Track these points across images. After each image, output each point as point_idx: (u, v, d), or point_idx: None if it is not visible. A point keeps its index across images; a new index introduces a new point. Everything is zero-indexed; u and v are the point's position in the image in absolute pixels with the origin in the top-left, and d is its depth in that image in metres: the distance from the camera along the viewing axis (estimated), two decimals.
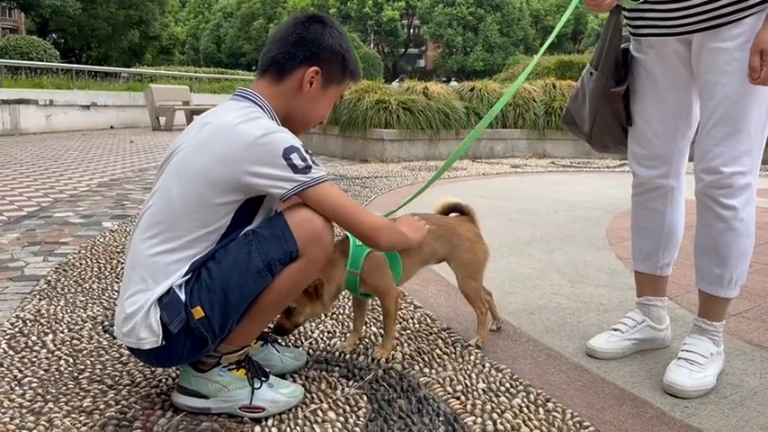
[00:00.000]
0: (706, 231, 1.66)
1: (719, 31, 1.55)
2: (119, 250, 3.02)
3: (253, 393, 1.50)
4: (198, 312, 1.38)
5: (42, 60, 17.00)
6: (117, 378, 1.67)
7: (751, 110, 1.55)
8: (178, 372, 1.60)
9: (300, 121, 1.57)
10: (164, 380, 1.66)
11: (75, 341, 1.91)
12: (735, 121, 1.56)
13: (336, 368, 1.75)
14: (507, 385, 1.65)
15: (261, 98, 1.49)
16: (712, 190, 1.61)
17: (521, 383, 1.66)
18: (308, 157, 1.40)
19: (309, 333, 1.99)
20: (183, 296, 1.39)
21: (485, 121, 1.86)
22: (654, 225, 1.86)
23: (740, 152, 1.57)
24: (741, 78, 1.53)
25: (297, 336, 1.97)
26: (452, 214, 1.98)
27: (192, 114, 14.13)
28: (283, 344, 1.83)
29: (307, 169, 1.39)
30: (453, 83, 20.95)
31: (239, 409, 1.49)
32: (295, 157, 1.38)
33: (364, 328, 2.04)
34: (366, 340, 1.95)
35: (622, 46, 1.78)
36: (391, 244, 1.62)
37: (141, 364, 1.75)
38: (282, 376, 1.67)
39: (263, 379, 1.53)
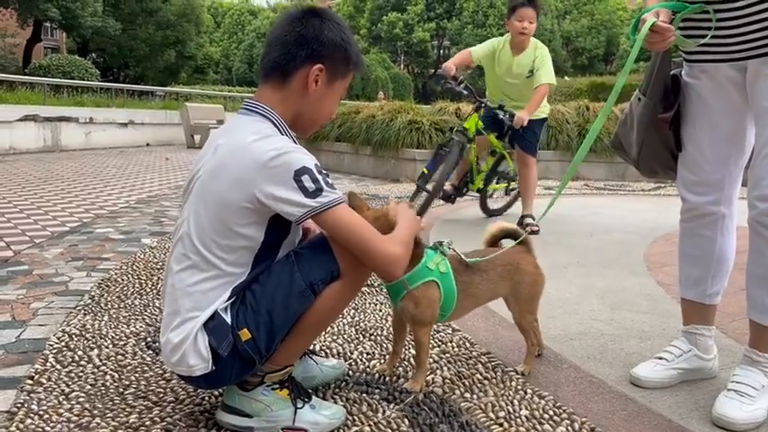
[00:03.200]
0: (759, 260, 1.63)
1: None
2: (159, 266, 3.07)
3: (296, 414, 1.50)
4: (245, 334, 1.38)
5: (83, 79, 17.52)
6: (161, 395, 1.69)
7: None
8: (222, 390, 1.61)
9: (309, 121, 1.55)
10: (207, 398, 1.68)
11: (119, 356, 1.95)
12: None
13: (377, 390, 1.74)
14: (551, 413, 1.63)
15: (269, 110, 1.46)
16: (766, 218, 1.57)
17: (564, 411, 1.64)
18: (320, 178, 1.36)
19: (349, 354, 2.00)
20: (228, 319, 1.40)
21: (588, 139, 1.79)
22: (703, 252, 1.83)
23: None
24: None
25: (336, 357, 1.97)
26: (503, 240, 1.93)
27: None
28: (322, 355, 1.83)
29: (317, 192, 1.35)
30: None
31: (282, 429, 1.50)
32: (306, 179, 1.34)
33: (405, 351, 2.03)
34: (405, 363, 1.94)
35: (672, 72, 1.77)
36: (403, 272, 1.56)
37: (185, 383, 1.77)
38: (324, 394, 1.67)
39: (306, 400, 1.54)
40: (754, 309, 1.67)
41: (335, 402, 1.66)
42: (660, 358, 1.85)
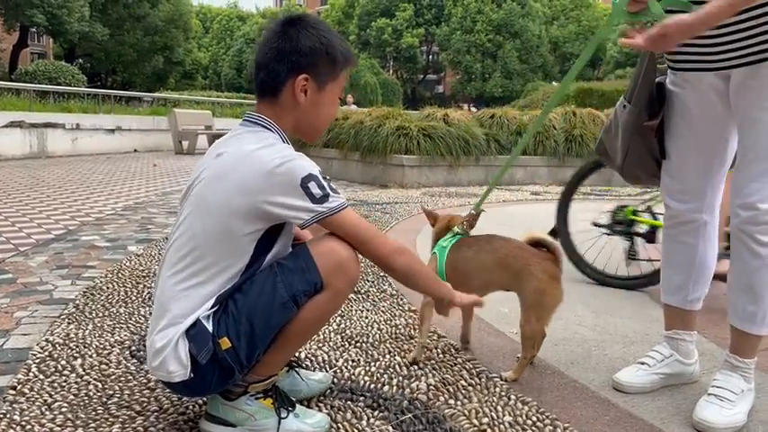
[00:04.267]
0: (741, 267, 1.65)
1: (759, 66, 1.55)
2: (144, 274, 3.06)
3: (279, 423, 1.51)
4: (225, 343, 1.38)
5: (70, 85, 17.47)
6: (145, 404, 1.69)
7: None
8: (206, 398, 1.61)
9: (311, 128, 1.56)
10: (191, 407, 1.67)
11: (103, 366, 1.94)
12: None
13: (362, 398, 1.75)
14: (534, 419, 1.64)
15: (269, 121, 1.48)
16: (748, 226, 1.60)
17: (547, 417, 1.65)
18: (325, 184, 1.40)
19: (334, 362, 2.00)
20: (210, 327, 1.39)
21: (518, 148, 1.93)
22: (685, 259, 1.85)
23: None
24: None
25: (321, 365, 1.97)
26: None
27: (214, 139, 14.34)
28: (307, 364, 1.83)
29: (324, 198, 1.38)
30: (472, 109, 20.99)
31: None
32: (313, 186, 1.37)
33: (388, 356, 2.04)
34: (390, 370, 1.95)
35: (657, 80, 1.79)
36: (408, 269, 1.53)
37: (169, 390, 1.77)
38: (309, 401, 1.68)
39: (290, 409, 1.54)
40: (735, 315, 1.69)
41: (320, 410, 1.67)
42: (642, 363, 1.87)
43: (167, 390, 1.74)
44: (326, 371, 1.92)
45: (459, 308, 1.70)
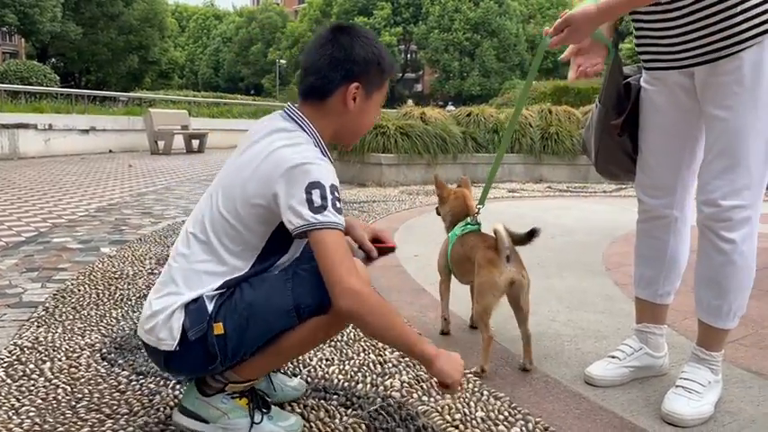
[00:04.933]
0: (706, 262, 1.68)
1: (718, 64, 1.57)
2: (117, 276, 3.02)
3: (252, 426, 1.50)
4: (218, 328, 1.38)
5: (42, 85, 17.14)
6: (115, 407, 1.67)
7: (750, 144, 1.56)
8: (179, 396, 1.60)
9: (352, 134, 1.60)
10: (162, 409, 1.66)
11: (72, 369, 1.91)
12: (734, 154, 1.57)
13: (335, 396, 1.74)
14: (506, 413, 1.65)
15: (307, 122, 1.49)
16: (712, 222, 1.62)
17: (519, 412, 1.66)
18: (329, 197, 1.35)
19: (308, 361, 1.99)
20: (210, 307, 1.40)
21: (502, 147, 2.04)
22: (656, 253, 1.87)
23: (740, 186, 1.58)
24: (741, 112, 1.55)
25: (295, 363, 1.96)
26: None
27: (190, 138, 14.23)
28: (284, 373, 1.82)
29: (320, 209, 1.34)
30: (450, 107, 21.08)
31: None
32: (315, 194, 1.34)
33: (362, 354, 2.04)
34: (365, 368, 1.95)
35: (630, 79, 1.81)
36: (352, 313, 1.34)
37: (139, 392, 1.75)
38: (281, 405, 1.67)
39: (264, 411, 1.53)
40: (701, 309, 1.72)
41: (294, 410, 1.66)
42: (612, 357, 1.89)
43: (137, 391, 1.73)
44: (300, 370, 1.92)
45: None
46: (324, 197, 1.35)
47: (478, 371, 1.89)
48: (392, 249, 1.73)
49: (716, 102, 1.60)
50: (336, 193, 1.39)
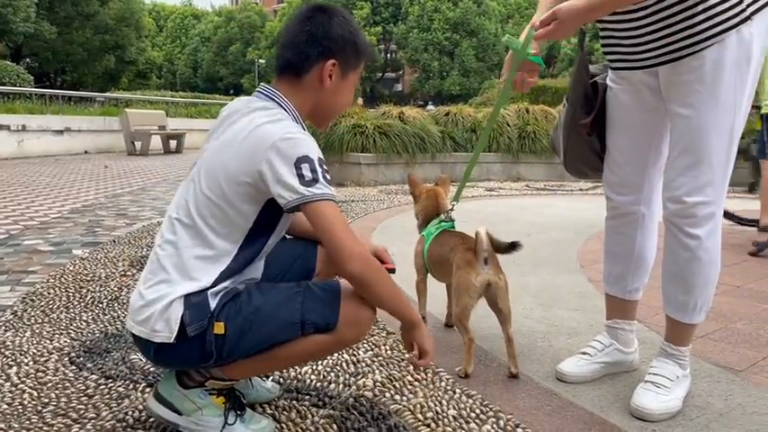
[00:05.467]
0: (672, 258, 1.70)
1: (680, 63, 1.59)
2: (89, 278, 2.98)
3: (224, 426, 1.48)
4: (219, 327, 1.36)
5: (15, 85, 16.81)
6: (82, 411, 1.64)
7: (713, 141, 1.58)
8: (145, 402, 1.57)
9: (327, 113, 1.60)
10: (130, 412, 1.63)
11: (39, 373, 1.88)
12: (697, 151, 1.59)
13: (307, 396, 1.73)
14: (477, 411, 1.66)
15: (283, 98, 1.49)
16: (677, 218, 1.64)
17: (491, 409, 1.67)
18: (318, 170, 1.37)
19: None
20: (212, 304, 1.37)
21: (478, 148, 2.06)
22: (624, 250, 1.89)
23: (703, 182, 1.59)
24: (703, 110, 1.57)
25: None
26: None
27: (168, 139, 14.09)
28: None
29: (312, 182, 1.35)
30: (430, 107, 21.11)
31: None
32: (305, 168, 1.35)
33: (336, 354, 2.03)
34: (337, 368, 1.94)
35: (597, 78, 1.83)
36: (362, 277, 1.38)
37: (107, 396, 1.72)
38: (253, 406, 1.65)
39: (239, 413, 1.51)
40: (668, 304, 1.74)
41: (265, 411, 1.65)
42: (583, 353, 1.91)
43: (105, 395, 1.70)
44: (271, 373, 1.90)
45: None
46: (314, 170, 1.36)
47: (461, 374, 1.87)
48: (392, 271, 1.74)
49: (679, 100, 1.61)
50: (324, 166, 1.40)
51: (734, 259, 3.65)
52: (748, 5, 1.51)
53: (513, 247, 1.91)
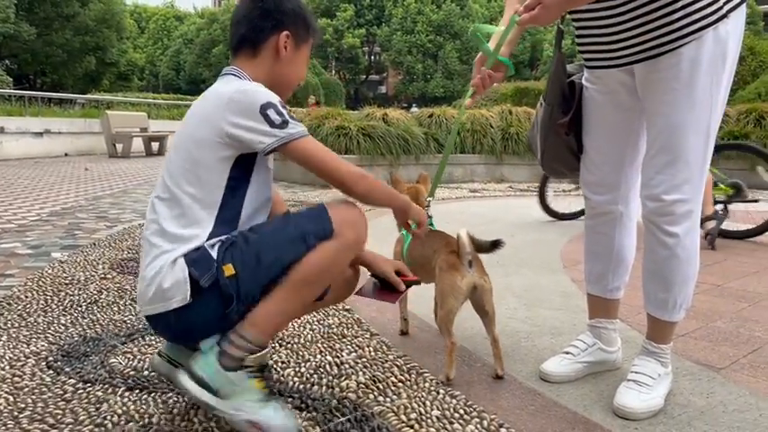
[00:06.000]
0: (651, 256, 1.71)
1: (657, 61, 1.60)
2: (67, 282, 2.93)
3: (261, 410, 1.44)
4: (228, 269, 1.40)
5: None
6: (59, 416, 1.61)
7: (690, 139, 1.58)
8: (127, 404, 1.54)
9: (284, 86, 1.65)
10: (109, 417, 1.60)
11: (16, 378, 1.84)
12: (674, 149, 1.60)
13: (290, 399, 1.72)
14: (461, 412, 1.65)
15: (240, 71, 1.57)
16: (655, 217, 1.65)
17: (474, 410, 1.66)
18: (284, 112, 1.45)
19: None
20: (214, 254, 1.41)
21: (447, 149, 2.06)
22: (603, 249, 1.90)
23: (681, 180, 1.60)
24: (680, 108, 1.58)
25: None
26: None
27: (149, 141, 13.95)
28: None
29: (284, 124, 1.44)
30: (414, 108, 21.14)
31: (245, 421, 1.41)
32: (272, 113, 1.43)
33: (319, 356, 2.02)
34: (321, 370, 1.92)
35: (573, 77, 1.83)
36: (369, 194, 1.56)
37: (86, 400, 1.69)
38: None
39: (275, 398, 1.55)
40: (648, 302, 1.75)
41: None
42: (567, 353, 1.91)
43: (84, 399, 1.67)
44: None
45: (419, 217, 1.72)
46: (280, 113, 1.45)
47: (443, 379, 1.83)
48: (418, 282, 1.84)
49: (656, 98, 1.62)
50: (287, 108, 1.48)
51: (714, 258, 3.69)
52: (725, 3, 1.52)
53: (495, 245, 1.89)
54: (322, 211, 1.50)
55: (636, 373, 1.72)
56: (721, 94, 1.59)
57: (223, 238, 1.45)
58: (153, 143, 14.03)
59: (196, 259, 1.40)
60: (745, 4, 1.58)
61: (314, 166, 1.50)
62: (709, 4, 1.52)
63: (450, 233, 1.97)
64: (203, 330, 1.47)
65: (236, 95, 1.44)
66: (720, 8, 1.52)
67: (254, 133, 1.43)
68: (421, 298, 2.34)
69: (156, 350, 1.68)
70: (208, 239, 1.43)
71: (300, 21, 1.63)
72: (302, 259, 1.44)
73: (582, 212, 4.82)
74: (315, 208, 1.53)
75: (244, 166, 1.49)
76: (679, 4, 1.52)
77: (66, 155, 13.13)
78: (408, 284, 1.80)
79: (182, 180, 1.45)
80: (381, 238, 2.44)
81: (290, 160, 1.51)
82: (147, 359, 1.98)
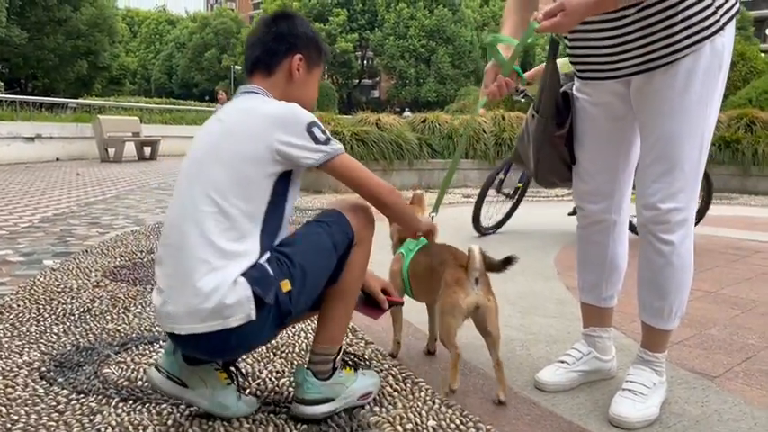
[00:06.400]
0: (646, 265, 1.71)
1: (655, 73, 1.61)
2: (60, 290, 2.91)
3: (358, 383, 1.73)
4: (285, 285, 1.48)
5: None
6: (53, 428, 1.59)
7: (686, 149, 1.60)
8: (121, 415, 1.53)
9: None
10: (102, 428, 1.59)
11: (8, 389, 1.82)
12: (671, 159, 1.61)
13: (284, 410, 1.71)
14: (457, 422, 1.65)
15: (265, 90, 1.63)
16: (651, 225, 1.66)
17: (471, 420, 1.66)
18: (326, 130, 1.56)
19: (258, 374, 1.95)
20: (270, 271, 1.47)
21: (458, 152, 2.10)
22: (597, 258, 1.90)
23: (677, 189, 1.62)
24: (675, 118, 1.59)
25: (244, 377, 1.92)
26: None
27: (142, 146, 13.91)
28: (242, 389, 1.77)
29: (327, 141, 1.55)
30: (407, 113, 21.14)
31: (357, 399, 1.71)
32: (316, 131, 1.53)
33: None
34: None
35: (565, 88, 1.83)
36: (394, 205, 1.70)
37: (79, 412, 1.68)
38: (229, 421, 1.62)
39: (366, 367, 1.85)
40: (643, 311, 1.75)
41: (242, 425, 1.61)
42: (562, 362, 1.91)
43: (77, 411, 1.66)
44: (250, 383, 1.87)
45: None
46: (323, 131, 1.56)
47: (447, 391, 1.77)
48: (401, 303, 1.91)
49: (651, 108, 1.63)
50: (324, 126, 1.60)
51: (707, 265, 3.71)
52: (722, 15, 1.54)
53: (507, 263, 1.79)
54: (341, 217, 1.62)
55: (631, 382, 1.72)
56: (715, 103, 1.61)
57: (267, 254, 1.50)
58: (145, 148, 13.99)
59: (258, 278, 1.44)
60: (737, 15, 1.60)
61: (350, 180, 1.61)
62: (707, 17, 1.53)
63: (446, 241, 1.96)
64: (249, 347, 1.62)
65: (284, 114, 1.53)
66: (718, 20, 1.54)
67: (302, 150, 1.51)
68: (417, 305, 2.33)
69: (152, 363, 1.68)
70: (260, 254, 1.49)
71: (312, 45, 1.71)
72: (345, 270, 1.62)
73: (500, 225, 4.89)
74: (333, 214, 1.63)
75: (284, 181, 1.56)
76: (680, 17, 1.53)
77: (57, 160, 13.06)
78: (391, 304, 1.86)
79: (229, 194, 1.47)
80: (380, 243, 2.43)
81: (329, 174, 1.60)
82: (142, 369, 1.97)
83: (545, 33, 1.56)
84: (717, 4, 1.55)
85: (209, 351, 1.54)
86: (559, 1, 1.48)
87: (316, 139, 1.53)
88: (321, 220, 1.62)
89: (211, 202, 1.47)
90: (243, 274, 1.43)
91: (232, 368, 1.69)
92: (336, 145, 1.57)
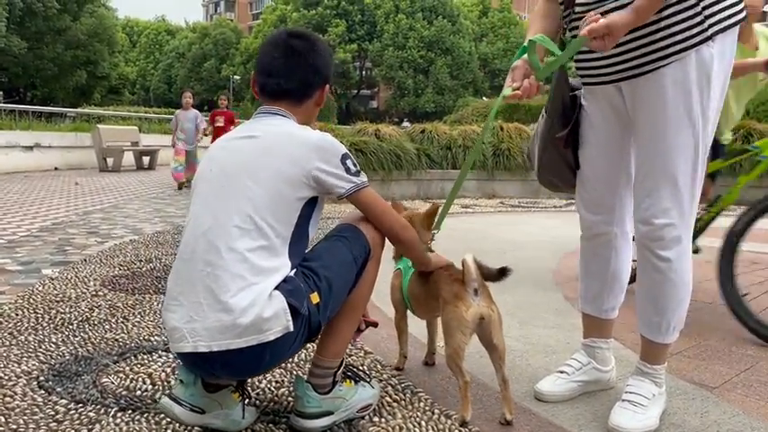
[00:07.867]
0: (645, 280, 1.72)
1: (640, 81, 1.61)
2: (58, 299, 2.91)
3: (358, 395, 1.73)
4: (315, 298, 1.52)
5: None
6: None
7: (676, 162, 1.59)
8: (120, 425, 1.53)
9: (309, 125, 1.75)
10: None
11: (7, 398, 1.81)
12: (661, 173, 1.61)
13: (284, 420, 1.71)
14: None
15: (290, 114, 1.67)
16: (648, 241, 1.66)
17: (470, 430, 1.66)
18: (356, 163, 1.64)
19: (257, 384, 1.95)
20: (302, 284, 1.51)
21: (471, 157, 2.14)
22: (599, 270, 1.91)
23: (669, 204, 1.61)
24: (666, 132, 1.58)
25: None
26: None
27: (140, 155, 13.91)
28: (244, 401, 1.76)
29: (358, 173, 1.62)
30: (406, 124, 21.19)
31: (357, 411, 1.71)
32: (349, 163, 1.60)
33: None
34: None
35: (577, 92, 1.84)
36: (409, 242, 1.76)
37: (77, 421, 1.67)
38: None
39: (366, 380, 1.80)
40: (642, 324, 1.75)
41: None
42: (561, 372, 1.91)
43: (76, 421, 1.65)
44: (249, 393, 1.87)
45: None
46: (354, 163, 1.63)
47: (459, 422, 1.68)
48: (375, 324, 1.91)
49: (642, 119, 1.64)
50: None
51: (705, 276, 3.71)
52: (710, 26, 1.54)
53: (503, 273, 1.75)
54: (358, 231, 1.66)
55: (630, 393, 1.72)
56: (710, 117, 1.59)
57: (294, 270, 1.54)
58: (144, 157, 13.99)
59: (291, 290, 1.47)
60: (736, 28, 1.59)
61: (372, 212, 1.67)
62: (691, 26, 1.53)
63: (444, 251, 1.95)
64: (278, 362, 1.64)
65: (323, 144, 1.58)
66: (704, 30, 1.53)
67: (335, 179, 1.57)
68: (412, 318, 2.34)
69: (165, 393, 1.69)
70: (291, 268, 1.53)
71: (332, 69, 1.78)
72: (358, 283, 1.65)
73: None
74: (350, 229, 1.67)
75: (310, 207, 1.60)
76: (663, 24, 1.54)
77: (56, 169, 13.05)
78: (367, 324, 1.88)
79: (267, 212, 1.50)
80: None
81: (353, 204, 1.66)
82: (140, 378, 1.97)
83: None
84: (705, 13, 1.54)
85: (240, 367, 1.51)
86: (605, 23, 1.48)
87: (348, 170, 1.59)
88: (341, 234, 1.66)
89: (247, 219, 1.48)
90: (276, 288, 1.46)
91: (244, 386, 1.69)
92: (364, 177, 1.63)
